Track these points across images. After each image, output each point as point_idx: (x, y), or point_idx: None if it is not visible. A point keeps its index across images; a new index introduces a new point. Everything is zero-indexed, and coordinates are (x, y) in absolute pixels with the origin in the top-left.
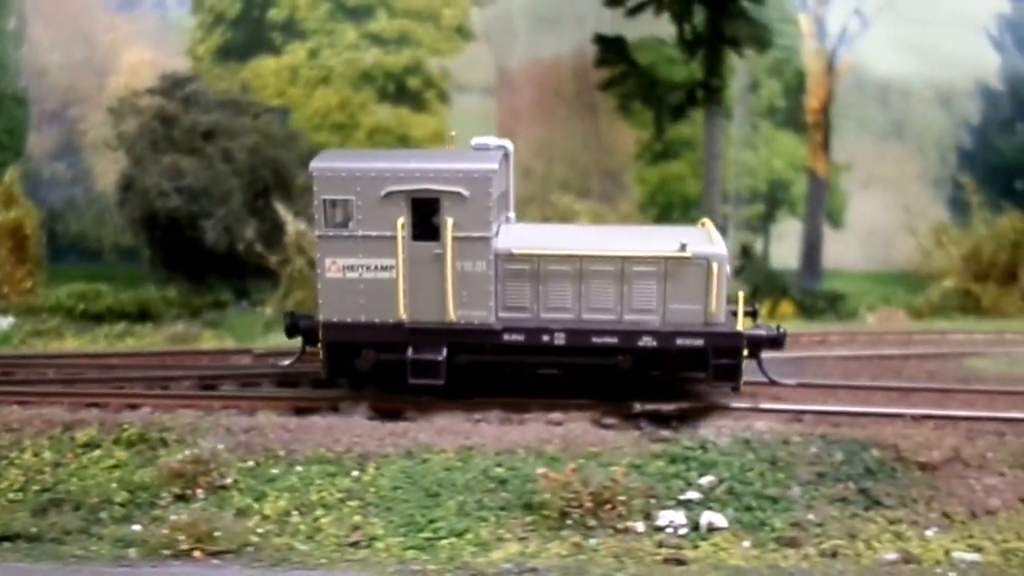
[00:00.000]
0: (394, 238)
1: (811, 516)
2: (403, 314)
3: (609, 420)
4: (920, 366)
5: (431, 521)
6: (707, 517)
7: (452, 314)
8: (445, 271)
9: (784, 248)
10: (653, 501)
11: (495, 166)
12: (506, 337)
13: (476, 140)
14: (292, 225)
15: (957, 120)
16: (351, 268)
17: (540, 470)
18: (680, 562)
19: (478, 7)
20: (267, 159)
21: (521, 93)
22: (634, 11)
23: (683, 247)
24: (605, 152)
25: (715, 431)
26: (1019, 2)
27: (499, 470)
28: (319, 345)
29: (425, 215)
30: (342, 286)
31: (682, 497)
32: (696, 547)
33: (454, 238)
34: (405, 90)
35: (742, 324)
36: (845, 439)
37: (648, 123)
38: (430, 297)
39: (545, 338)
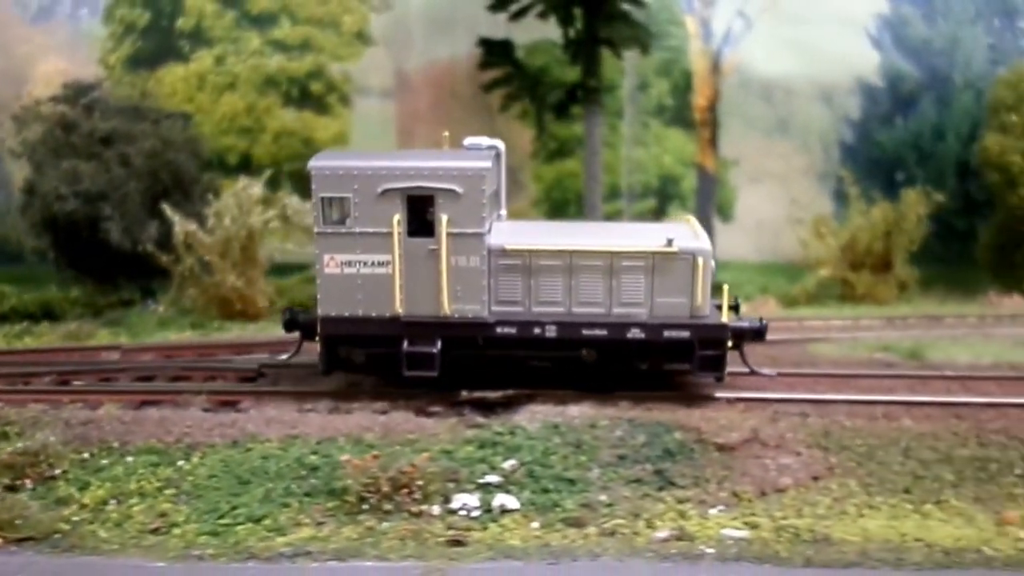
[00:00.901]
0: (390, 234)
1: (603, 497)
2: (399, 308)
3: (434, 408)
4: (764, 351)
5: (234, 508)
6: (500, 499)
7: (446, 308)
8: (440, 266)
9: None
10: (453, 485)
11: (488, 164)
12: (499, 330)
13: (469, 140)
14: (180, 226)
15: (839, 116)
16: (349, 264)
17: (344, 457)
18: (460, 543)
19: (376, 13)
20: (166, 163)
21: (419, 95)
22: (517, 15)
23: (669, 242)
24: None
25: (529, 417)
26: (897, 2)
27: (313, 458)
28: (317, 339)
29: (420, 212)
30: (340, 281)
31: (482, 481)
32: (485, 528)
33: (448, 234)
34: (308, 94)
35: (726, 317)
36: (651, 422)
37: (549, 122)
38: (425, 291)
39: (537, 331)
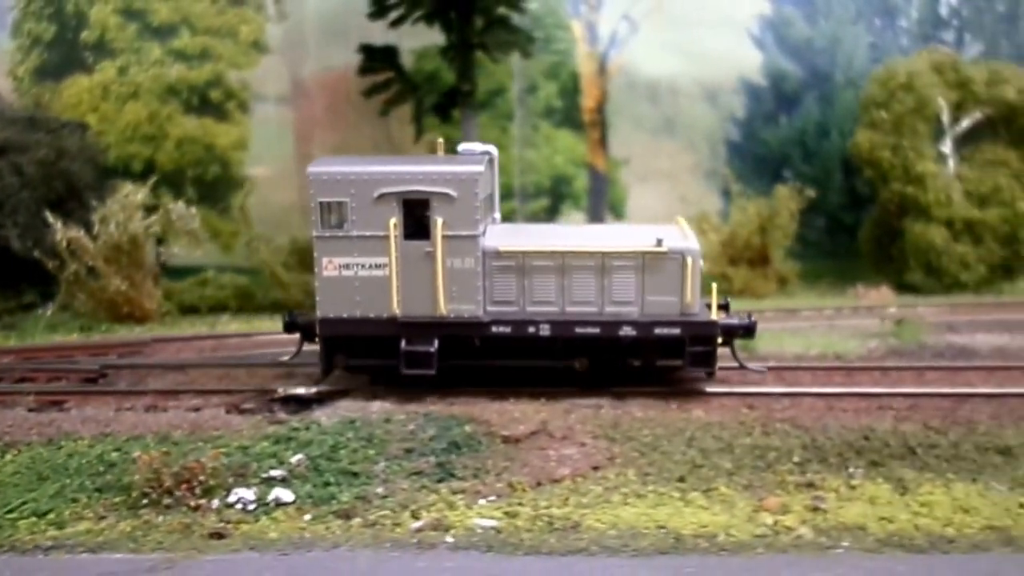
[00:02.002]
0: (387, 237)
1: (380, 490)
2: (396, 309)
3: (247, 405)
4: None
5: (24, 503)
6: (276, 493)
7: (443, 308)
8: (436, 268)
9: None
10: (239, 479)
11: (481, 168)
12: (494, 329)
13: (463, 146)
14: (62, 232)
15: (724, 115)
16: (346, 267)
17: (136, 453)
18: (221, 536)
19: (272, 23)
20: (60, 171)
21: (315, 101)
22: (396, 23)
23: (659, 242)
24: (397, 154)
25: (331, 412)
26: (779, 3)
27: (115, 455)
28: (316, 340)
29: (416, 215)
30: (338, 284)
31: (267, 475)
32: (256, 521)
33: (444, 236)
34: (208, 102)
35: (716, 314)
36: (445, 416)
37: (434, 126)
38: (422, 292)
39: (531, 330)
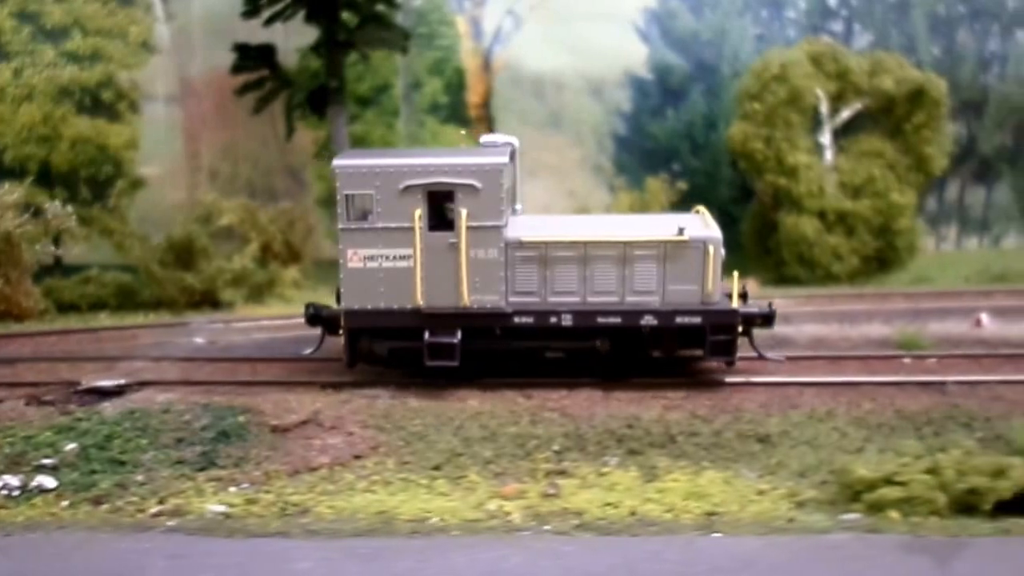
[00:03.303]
0: (412, 229)
1: (140, 477)
2: (420, 300)
3: (48, 397)
4: None
5: None
6: (40, 480)
7: (466, 299)
8: (460, 259)
9: None
10: (14, 467)
11: (505, 159)
12: (516, 320)
13: (485, 137)
14: None
15: (610, 109)
16: (371, 258)
17: None
18: None
19: (160, 23)
20: None
21: (204, 100)
22: (270, 21)
23: (681, 231)
24: (286, 151)
25: (120, 404)
26: None
27: None
28: (340, 332)
29: (440, 207)
30: (363, 275)
31: (38, 463)
32: (16, 506)
33: (468, 228)
34: (100, 102)
35: (736, 303)
36: (222, 406)
37: (314, 124)
38: (445, 284)
39: (553, 320)
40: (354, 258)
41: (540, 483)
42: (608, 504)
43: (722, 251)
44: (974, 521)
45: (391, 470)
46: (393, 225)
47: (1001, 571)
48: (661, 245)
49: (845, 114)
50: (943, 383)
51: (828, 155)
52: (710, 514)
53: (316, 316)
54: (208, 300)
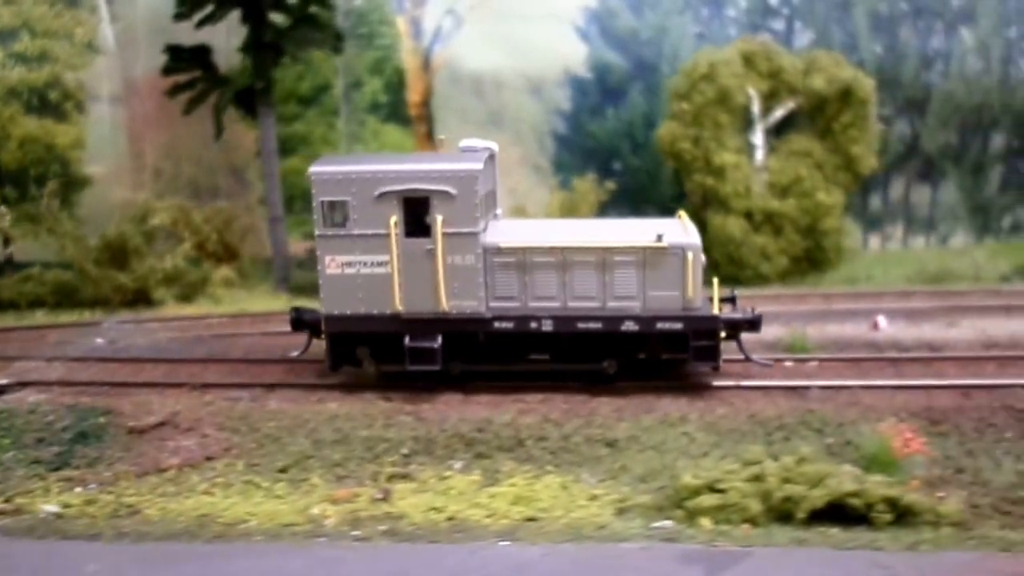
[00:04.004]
0: (388, 235)
1: None
2: (399, 306)
3: None
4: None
5: None
6: None
7: (444, 304)
8: (436, 265)
9: None
10: None
11: (480, 166)
12: (496, 325)
13: (464, 142)
14: None
15: (550, 108)
16: (349, 264)
17: None
18: None
19: (105, 23)
20: None
21: (147, 100)
22: (202, 23)
23: (659, 238)
24: (229, 150)
25: None
26: None
27: None
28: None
29: (417, 213)
30: (341, 281)
31: None
32: None
33: (444, 234)
34: (47, 103)
35: (718, 308)
36: (87, 407)
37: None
38: (423, 289)
39: (533, 325)
40: (332, 264)
41: (376, 487)
42: (433, 509)
43: (702, 257)
44: (784, 529)
45: (238, 472)
46: (370, 232)
47: None
48: (640, 251)
49: (778, 113)
50: (807, 388)
51: (759, 155)
52: (530, 519)
53: (299, 320)
54: (142, 299)
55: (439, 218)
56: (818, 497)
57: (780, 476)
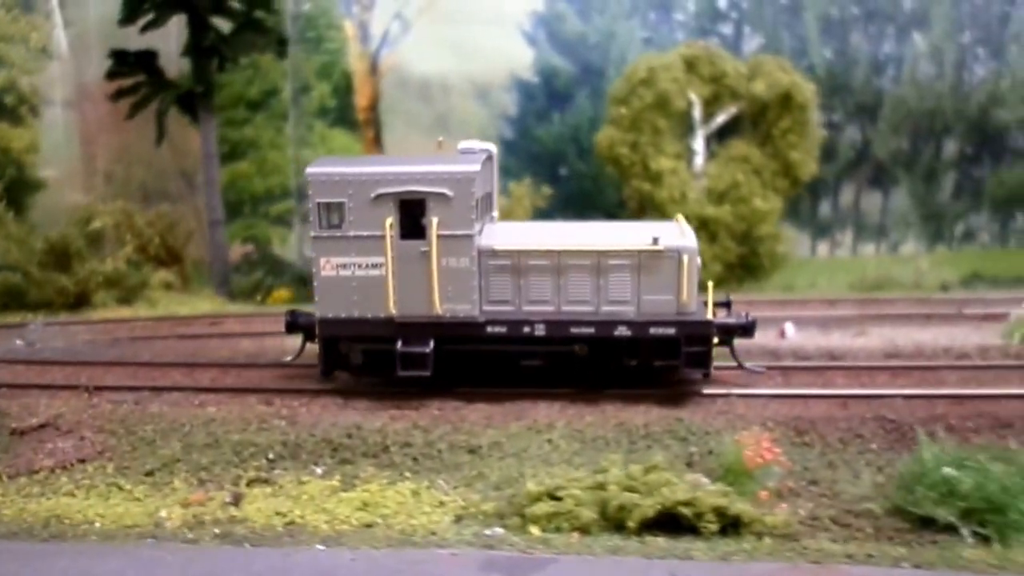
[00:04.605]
0: (383, 237)
1: None
2: (393, 309)
3: None
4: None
5: None
6: None
7: (438, 308)
8: (431, 267)
9: None
10: None
11: (477, 168)
12: (489, 329)
13: (463, 144)
14: None
15: (496, 112)
16: (344, 266)
17: None
18: None
19: (58, 29)
20: None
21: (100, 105)
22: (146, 28)
23: (655, 240)
24: (179, 155)
25: None
26: (552, 0)
27: None
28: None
29: (412, 215)
30: (336, 283)
31: None
32: None
33: (439, 236)
34: (3, 107)
35: (712, 313)
36: None
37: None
38: (418, 292)
39: (526, 329)
40: (327, 266)
41: (231, 491)
42: (278, 514)
43: (698, 260)
44: (613, 538)
45: (107, 475)
46: (365, 233)
47: None
48: (636, 254)
49: (720, 119)
50: (683, 395)
51: (699, 160)
52: (367, 525)
53: (293, 324)
54: (84, 301)
55: (435, 220)
56: (649, 506)
57: (622, 485)
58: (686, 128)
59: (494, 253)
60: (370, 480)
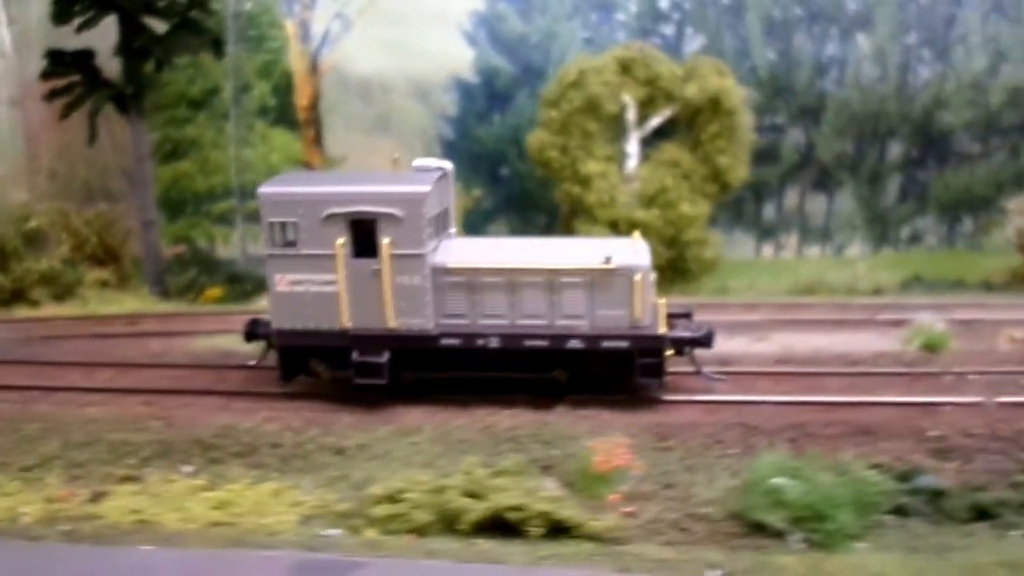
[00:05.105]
0: (335, 256)
1: None
2: (347, 322)
3: None
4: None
5: None
6: None
7: (392, 322)
8: (383, 285)
9: None
10: None
11: (428, 188)
12: (443, 342)
13: (417, 161)
14: None
15: (436, 112)
16: (298, 283)
17: None
18: None
19: (1, 27)
20: None
21: (43, 103)
22: (81, 28)
23: (607, 259)
24: (121, 153)
25: None
26: (493, 0)
27: None
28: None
29: (364, 234)
30: (290, 298)
31: None
32: None
33: (391, 255)
34: None
35: (666, 326)
36: None
37: (159, 125)
38: (371, 307)
39: (480, 342)
40: (281, 282)
41: (97, 488)
42: (133, 512)
43: (651, 277)
44: (445, 541)
45: None
46: (318, 252)
47: None
48: (588, 273)
49: (654, 122)
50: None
51: (632, 164)
52: (215, 524)
53: (252, 333)
54: (20, 298)
55: (386, 240)
56: (481, 510)
57: (462, 488)
58: (619, 131)
59: (447, 271)
60: (236, 480)
